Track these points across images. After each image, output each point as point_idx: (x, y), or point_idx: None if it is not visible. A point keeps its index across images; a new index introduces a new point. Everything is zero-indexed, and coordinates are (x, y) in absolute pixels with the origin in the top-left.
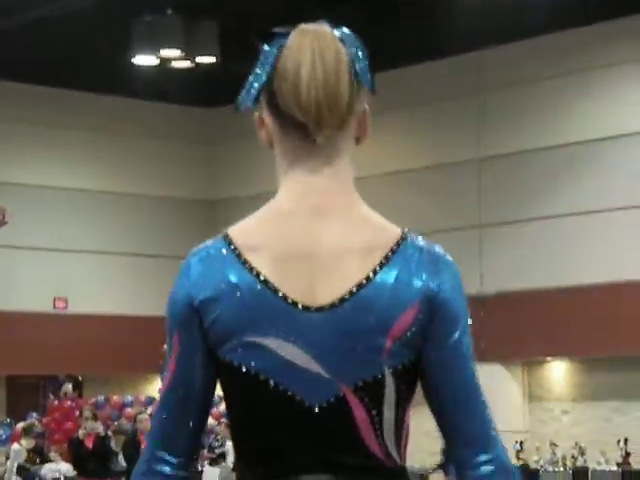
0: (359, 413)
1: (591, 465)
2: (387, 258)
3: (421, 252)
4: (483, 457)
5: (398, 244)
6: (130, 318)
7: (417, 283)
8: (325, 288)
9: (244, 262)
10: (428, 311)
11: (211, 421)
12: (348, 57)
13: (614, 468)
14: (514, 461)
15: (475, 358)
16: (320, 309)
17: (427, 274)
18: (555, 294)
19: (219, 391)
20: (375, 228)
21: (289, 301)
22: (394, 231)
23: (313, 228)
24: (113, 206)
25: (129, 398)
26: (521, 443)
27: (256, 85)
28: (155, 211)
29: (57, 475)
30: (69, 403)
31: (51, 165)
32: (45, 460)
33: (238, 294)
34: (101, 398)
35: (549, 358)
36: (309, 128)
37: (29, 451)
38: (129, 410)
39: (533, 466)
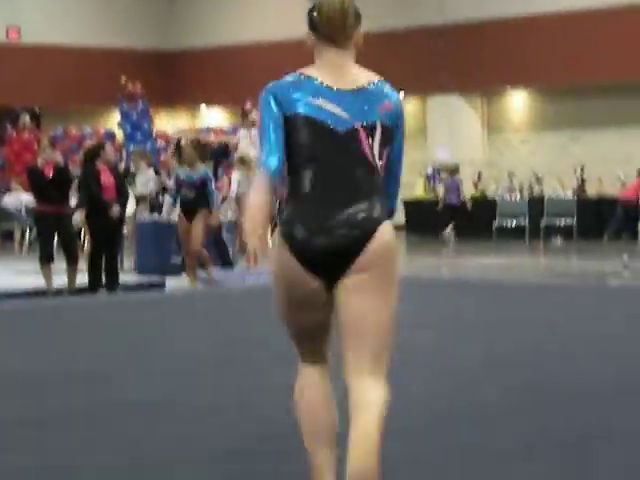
0: (363, 138)
1: (547, 193)
2: (376, 83)
3: (388, 87)
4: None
5: (379, 80)
6: (89, 49)
7: (389, 94)
8: (350, 85)
9: (307, 76)
10: (395, 109)
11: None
12: (353, 6)
13: (569, 195)
14: (472, 191)
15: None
16: (347, 91)
17: (391, 93)
18: (515, 23)
19: None
20: (368, 73)
21: (330, 86)
22: (376, 76)
23: (339, 68)
24: None
25: (88, 130)
26: (479, 174)
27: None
28: None
29: (19, 206)
30: (27, 135)
31: None
32: (6, 191)
33: (305, 83)
34: (59, 131)
35: (508, 88)
36: (333, 36)
37: None
38: (88, 142)
39: (490, 195)
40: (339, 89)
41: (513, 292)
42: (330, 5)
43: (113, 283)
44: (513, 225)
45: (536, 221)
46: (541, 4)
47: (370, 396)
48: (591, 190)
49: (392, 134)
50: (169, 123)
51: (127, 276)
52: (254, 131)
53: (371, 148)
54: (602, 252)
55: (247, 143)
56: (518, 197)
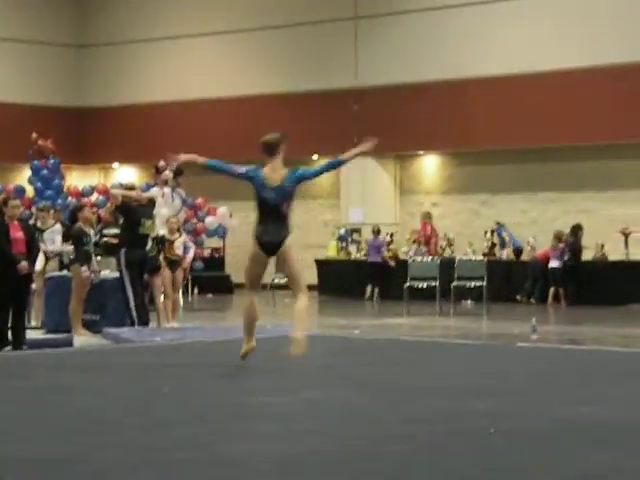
0: (283, 207)
1: (458, 255)
2: (286, 176)
3: (288, 173)
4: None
5: (288, 172)
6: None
7: (288, 177)
8: (275, 184)
9: (262, 172)
10: (291, 181)
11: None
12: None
13: (480, 258)
14: (386, 253)
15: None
16: (274, 186)
17: (289, 176)
18: (427, 89)
19: None
20: (285, 170)
21: (268, 183)
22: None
23: (272, 173)
24: None
25: None
26: (392, 235)
27: None
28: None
29: None
30: None
31: None
32: None
33: (258, 179)
34: None
35: (421, 152)
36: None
37: None
38: None
39: (402, 257)
40: (270, 185)
41: (421, 350)
42: (265, 139)
43: (19, 339)
44: (424, 287)
45: (447, 283)
46: (452, 70)
47: (300, 299)
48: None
49: (294, 192)
50: (81, 180)
51: (34, 333)
52: (166, 189)
53: (285, 207)
54: (512, 314)
55: (160, 201)
56: (429, 259)
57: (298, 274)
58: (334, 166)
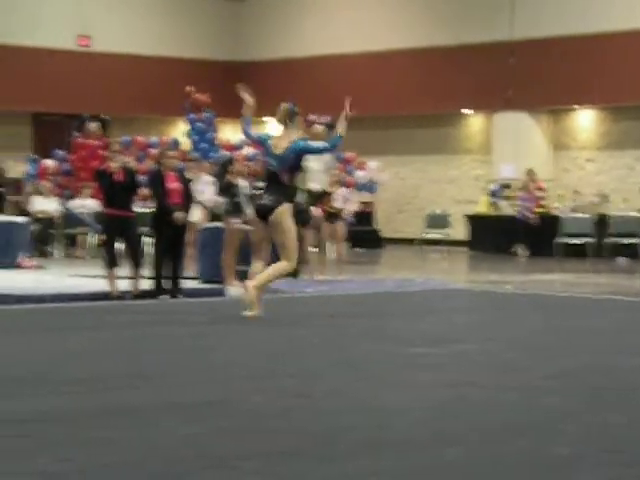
0: (282, 175)
1: (612, 212)
2: (289, 146)
3: (292, 144)
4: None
5: (294, 142)
6: (157, 59)
7: (291, 147)
8: (279, 151)
9: (270, 139)
10: (294, 151)
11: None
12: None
13: (635, 214)
14: (536, 209)
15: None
16: (278, 153)
17: (292, 146)
18: (585, 41)
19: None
20: (292, 140)
21: (273, 150)
22: (293, 140)
23: (279, 141)
24: None
25: (154, 139)
26: (544, 191)
27: None
28: None
29: (82, 210)
30: (95, 142)
31: None
32: (72, 196)
33: (268, 145)
34: (126, 138)
35: (576, 106)
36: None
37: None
38: (153, 151)
39: (554, 213)
40: (274, 153)
41: (573, 305)
42: (278, 111)
43: (176, 288)
44: (578, 243)
45: (600, 240)
46: (610, 22)
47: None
48: None
49: (296, 163)
50: (235, 134)
51: (190, 283)
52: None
53: (284, 175)
54: None
55: (309, 155)
56: (583, 215)
57: (289, 244)
58: (335, 144)
